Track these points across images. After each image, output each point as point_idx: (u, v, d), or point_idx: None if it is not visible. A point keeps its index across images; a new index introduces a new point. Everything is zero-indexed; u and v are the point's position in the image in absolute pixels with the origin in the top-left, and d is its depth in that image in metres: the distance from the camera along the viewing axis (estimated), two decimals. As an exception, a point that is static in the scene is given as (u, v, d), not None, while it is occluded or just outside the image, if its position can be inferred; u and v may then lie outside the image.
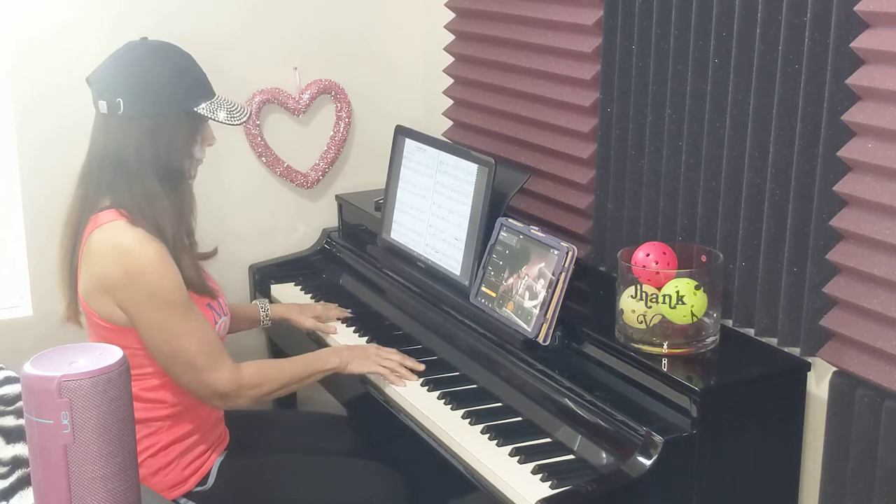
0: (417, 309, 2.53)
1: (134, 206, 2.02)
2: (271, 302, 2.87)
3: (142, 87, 2.03)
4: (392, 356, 2.29)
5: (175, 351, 2.03)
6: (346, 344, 2.45)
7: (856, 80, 1.77)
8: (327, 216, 3.12)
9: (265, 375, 2.17)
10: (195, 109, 2.07)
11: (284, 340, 2.85)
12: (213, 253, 2.27)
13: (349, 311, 2.66)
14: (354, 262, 2.88)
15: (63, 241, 2.10)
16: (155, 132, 2.03)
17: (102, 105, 2.03)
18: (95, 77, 2.08)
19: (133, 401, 1.44)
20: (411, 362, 2.29)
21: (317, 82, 3.02)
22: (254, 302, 2.64)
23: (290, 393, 2.37)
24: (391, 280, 2.66)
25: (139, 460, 2.05)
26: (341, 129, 3.08)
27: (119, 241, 1.99)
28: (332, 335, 2.55)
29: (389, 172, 2.68)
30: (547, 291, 2.09)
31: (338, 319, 2.61)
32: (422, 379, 2.27)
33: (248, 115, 2.16)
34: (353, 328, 2.59)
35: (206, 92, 2.11)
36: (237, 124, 2.14)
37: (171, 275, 2.01)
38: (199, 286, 2.10)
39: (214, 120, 2.09)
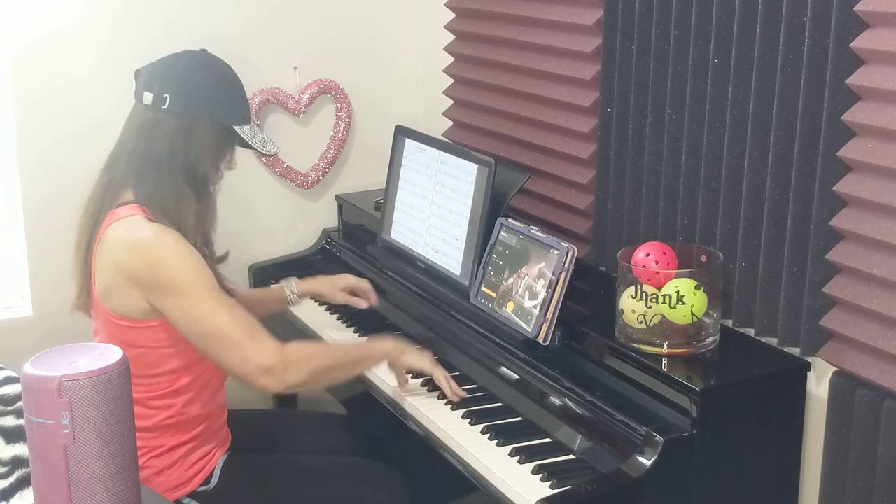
0: (417, 309, 2.53)
1: (157, 202, 2.03)
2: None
3: (192, 90, 2.06)
4: (442, 370, 2.23)
5: (208, 329, 1.99)
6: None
7: (856, 80, 1.77)
8: (327, 216, 3.12)
9: (311, 351, 2.10)
10: (234, 127, 2.10)
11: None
12: (224, 257, 2.25)
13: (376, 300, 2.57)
14: (354, 262, 2.88)
15: (81, 229, 2.10)
16: (190, 134, 2.05)
17: (147, 97, 2.04)
18: (148, 69, 2.10)
19: (139, 407, 1.44)
20: (457, 387, 2.20)
21: (317, 82, 3.02)
22: (279, 283, 2.57)
23: (341, 381, 2.21)
24: (391, 280, 2.66)
25: (143, 461, 2.06)
26: (341, 129, 3.08)
27: (136, 234, 1.99)
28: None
29: (389, 172, 2.68)
30: (547, 291, 2.09)
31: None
32: (421, 379, 2.27)
33: (276, 150, 2.21)
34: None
35: (246, 118, 2.15)
36: (267, 154, 2.20)
37: (191, 257, 2.00)
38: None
39: (249, 144, 2.13)
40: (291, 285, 2.54)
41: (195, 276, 1.99)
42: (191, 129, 2.05)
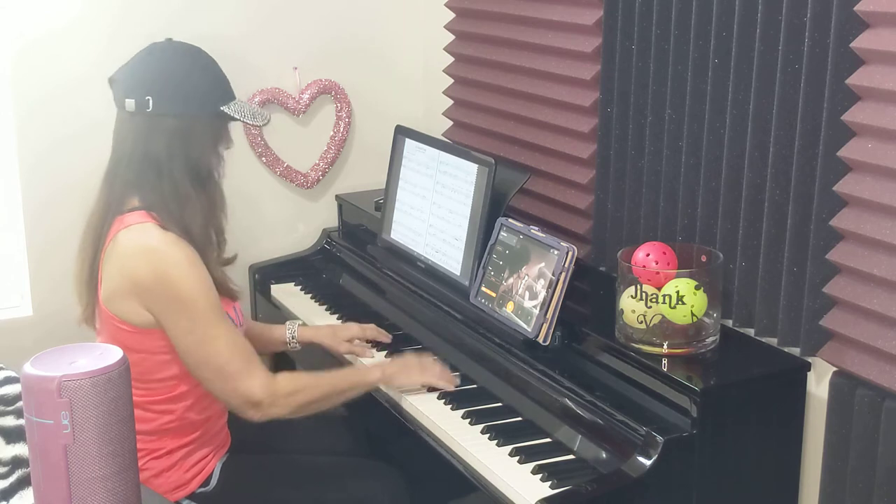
0: (417, 309, 2.52)
1: (163, 207, 2.01)
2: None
3: (171, 86, 2.03)
4: (435, 366, 2.23)
5: (205, 357, 2.00)
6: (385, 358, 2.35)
7: (856, 80, 1.77)
8: (327, 216, 3.12)
9: (301, 384, 2.10)
10: (222, 109, 2.08)
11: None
12: (233, 259, 2.24)
13: (389, 335, 2.48)
14: (354, 262, 2.88)
15: (85, 241, 2.08)
16: (184, 131, 2.03)
17: (130, 103, 2.02)
18: (121, 75, 2.07)
19: (139, 410, 1.43)
20: (448, 376, 2.22)
21: (317, 82, 3.02)
22: (286, 322, 2.50)
23: (330, 407, 2.19)
24: (391, 280, 2.66)
25: (142, 463, 2.05)
26: (341, 129, 3.08)
27: (147, 242, 1.98)
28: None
29: (389, 172, 2.68)
30: (547, 291, 2.08)
31: (372, 346, 2.46)
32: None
33: (268, 119, 2.19)
34: (376, 346, 2.49)
35: (230, 94, 2.12)
36: (261, 125, 2.18)
37: (199, 278, 1.98)
38: (223, 287, 2.08)
39: (242, 120, 2.10)
40: (294, 330, 2.46)
41: (201, 299, 1.98)
42: (182, 125, 2.03)
